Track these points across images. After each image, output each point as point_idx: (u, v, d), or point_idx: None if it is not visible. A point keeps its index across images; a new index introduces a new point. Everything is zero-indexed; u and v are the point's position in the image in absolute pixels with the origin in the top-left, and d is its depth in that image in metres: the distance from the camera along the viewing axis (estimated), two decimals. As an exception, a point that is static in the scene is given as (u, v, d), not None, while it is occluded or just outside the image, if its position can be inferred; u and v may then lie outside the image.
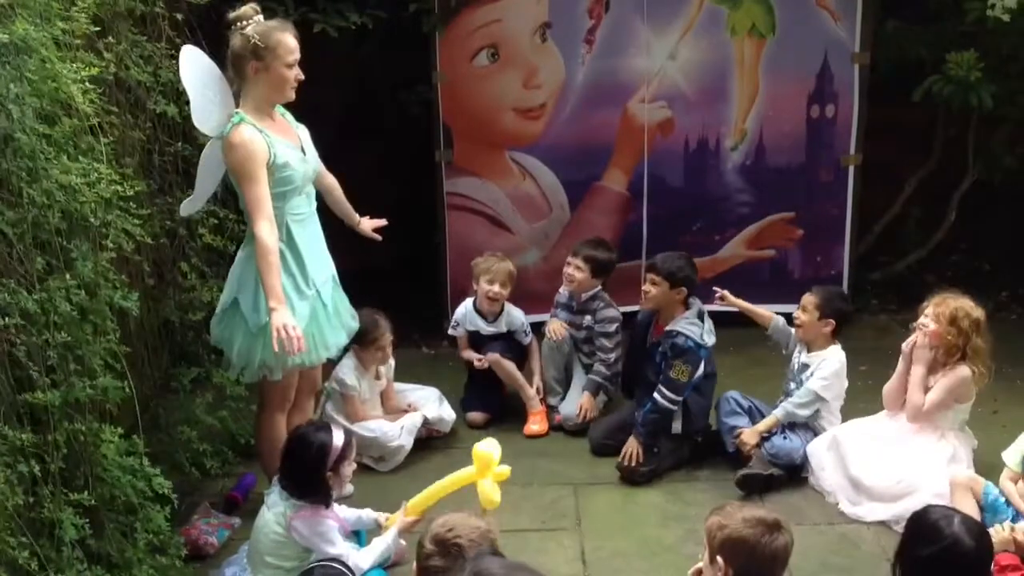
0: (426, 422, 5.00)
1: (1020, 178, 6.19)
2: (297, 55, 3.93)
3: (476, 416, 5.23)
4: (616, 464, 4.75)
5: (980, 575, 3.15)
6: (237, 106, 3.95)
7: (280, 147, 3.91)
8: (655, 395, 4.70)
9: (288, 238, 3.99)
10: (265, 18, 3.92)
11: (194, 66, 3.95)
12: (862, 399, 4.95)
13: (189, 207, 4.22)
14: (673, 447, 4.79)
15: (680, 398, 4.70)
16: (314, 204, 4.15)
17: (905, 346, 4.59)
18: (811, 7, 5.56)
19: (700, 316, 4.78)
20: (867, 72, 5.66)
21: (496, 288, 5.17)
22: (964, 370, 4.44)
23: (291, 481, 3.85)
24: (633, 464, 4.69)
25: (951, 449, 4.49)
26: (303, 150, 4.06)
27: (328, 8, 5.32)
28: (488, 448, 3.98)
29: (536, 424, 5.15)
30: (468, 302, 5.36)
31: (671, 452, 4.78)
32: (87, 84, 3.39)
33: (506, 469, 3.99)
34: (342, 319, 4.26)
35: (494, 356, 5.20)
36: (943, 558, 3.08)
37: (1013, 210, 6.24)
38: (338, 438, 3.84)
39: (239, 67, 3.91)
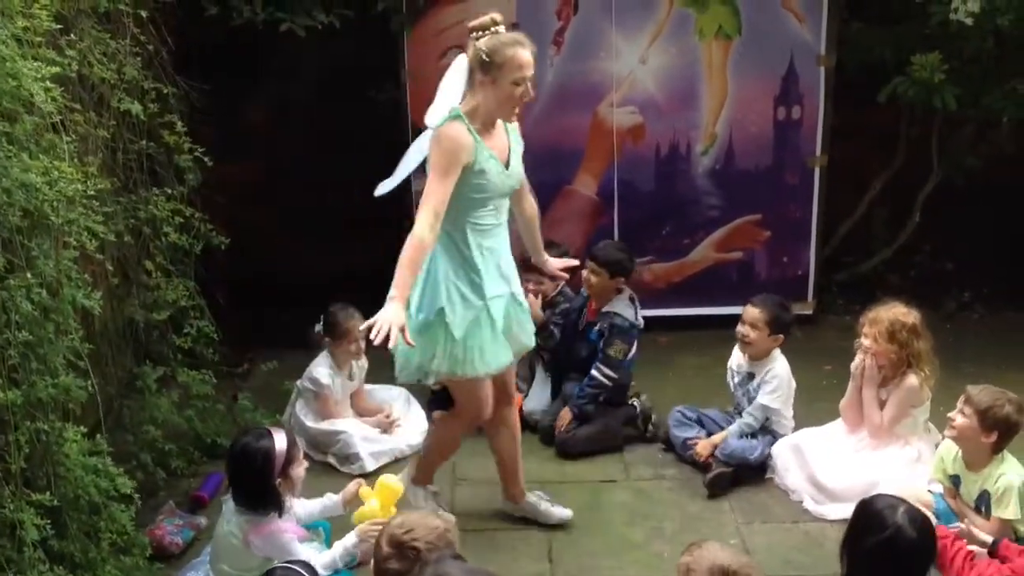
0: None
1: (983, 179, 6.26)
2: (527, 72, 3.79)
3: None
4: (556, 437, 4.94)
5: (922, 565, 3.18)
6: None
7: (484, 154, 3.81)
8: (593, 371, 4.93)
9: (464, 244, 3.88)
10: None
11: (457, 75, 3.92)
12: (826, 399, 4.99)
13: (384, 187, 4.15)
14: (601, 413, 4.99)
15: (616, 375, 4.94)
16: (503, 218, 3.99)
17: (854, 369, 4.63)
18: (777, 9, 5.60)
19: (632, 300, 5.01)
20: (832, 74, 5.71)
21: None
22: (912, 379, 4.49)
23: (241, 495, 3.77)
24: (564, 427, 4.92)
25: (916, 452, 4.55)
26: (507, 164, 3.92)
27: (295, 7, 5.30)
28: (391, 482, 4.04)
29: None
30: None
31: (601, 416, 4.98)
32: (48, 83, 3.36)
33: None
34: (515, 337, 4.08)
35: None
36: (886, 547, 3.11)
37: (976, 211, 6.31)
38: (280, 442, 3.74)
39: (470, 76, 3.85)
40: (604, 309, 4.98)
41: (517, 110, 3.88)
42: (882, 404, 4.57)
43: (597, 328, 4.99)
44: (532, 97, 3.88)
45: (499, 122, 3.91)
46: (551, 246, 5.23)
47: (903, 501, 3.27)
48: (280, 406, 5.07)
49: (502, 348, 4.00)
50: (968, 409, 4.02)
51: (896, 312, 4.49)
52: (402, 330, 3.56)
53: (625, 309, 4.96)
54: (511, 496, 4.41)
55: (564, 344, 5.22)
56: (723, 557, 2.89)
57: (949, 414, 4.11)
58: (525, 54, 3.78)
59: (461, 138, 3.76)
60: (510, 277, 4.05)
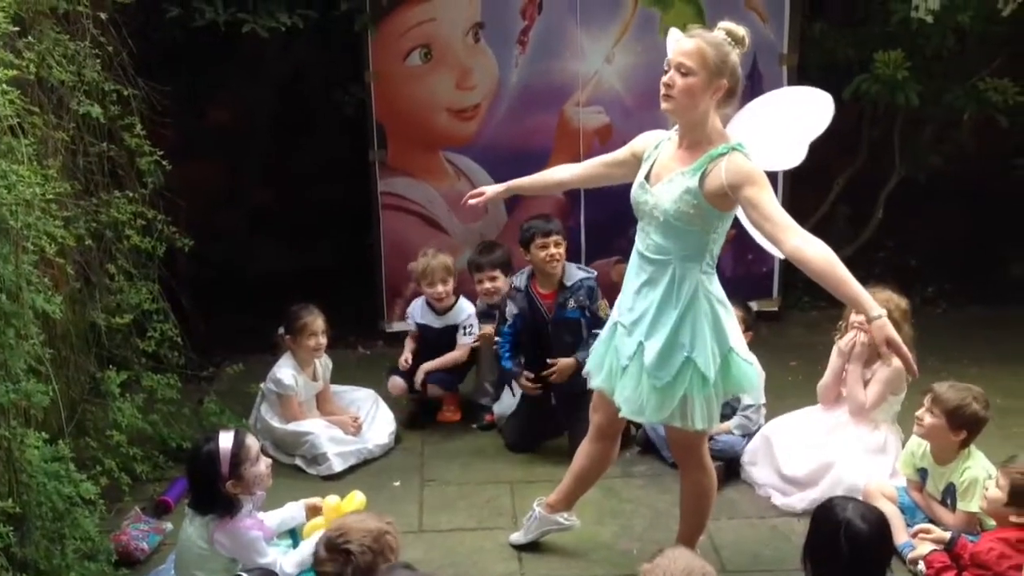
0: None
1: (945, 176, 6.33)
2: (672, 56, 3.51)
3: (397, 382, 5.21)
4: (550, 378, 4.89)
5: (879, 557, 3.21)
6: None
7: (645, 163, 3.76)
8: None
9: None
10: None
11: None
12: (792, 394, 5.02)
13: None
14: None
15: None
16: (644, 249, 3.78)
17: (844, 345, 4.64)
18: (740, 8, 5.61)
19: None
20: (795, 73, 5.74)
21: (438, 289, 5.14)
22: (899, 362, 4.52)
23: (194, 498, 3.78)
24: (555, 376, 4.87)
25: (883, 439, 4.58)
26: (651, 182, 3.70)
27: (258, 8, 5.27)
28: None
29: (450, 411, 5.26)
30: (422, 299, 5.33)
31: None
32: (6, 85, 3.31)
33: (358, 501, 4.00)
34: (611, 370, 3.78)
35: (436, 391, 5.22)
36: (838, 542, 3.14)
37: (938, 207, 6.38)
38: (225, 442, 3.71)
39: None
40: (568, 283, 4.85)
41: (666, 104, 3.55)
42: (865, 384, 4.60)
43: (572, 304, 4.84)
44: (666, 84, 3.53)
45: (715, 155, 3.48)
46: (493, 248, 5.25)
47: (856, 501, 3.31)
48: (247, 409, 5.04)
49: (596, 367, 3.86)
50: (936, 409, 4.08)
51: (890, 294, 4.52)
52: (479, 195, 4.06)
53: (580, 271, 4.92)
54: (551, 504, 4.20)
55: (537, 349, 4.96)
56: (675, 569, 2.86)
57: (917, 413, 4.17)
58: (674, 39, 3.50)
59: (650, 133, 3.83)
60: (642, 307, 3.72)
